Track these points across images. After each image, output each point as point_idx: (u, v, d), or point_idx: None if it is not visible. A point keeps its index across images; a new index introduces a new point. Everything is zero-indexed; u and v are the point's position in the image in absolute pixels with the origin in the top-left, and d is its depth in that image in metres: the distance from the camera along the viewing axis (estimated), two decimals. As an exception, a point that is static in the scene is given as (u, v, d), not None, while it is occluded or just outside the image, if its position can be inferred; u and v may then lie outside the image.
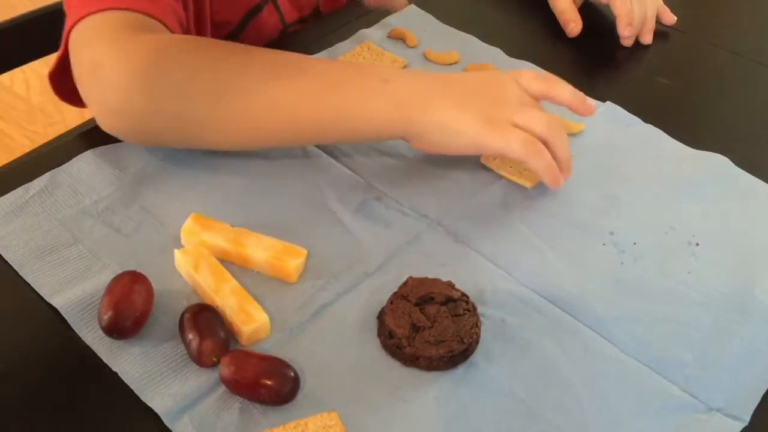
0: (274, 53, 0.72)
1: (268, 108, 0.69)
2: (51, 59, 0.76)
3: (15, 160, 0.77)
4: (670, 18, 1.00)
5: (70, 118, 0.87)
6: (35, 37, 0.97)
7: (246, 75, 0.69)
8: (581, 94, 0.75)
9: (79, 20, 0.71)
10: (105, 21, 0.71)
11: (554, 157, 0.71)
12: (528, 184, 0.75)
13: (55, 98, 0.80)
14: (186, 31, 0.81)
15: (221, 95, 0.69)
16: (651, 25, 0.97)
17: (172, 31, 0.74)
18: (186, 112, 0.69)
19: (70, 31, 0.72)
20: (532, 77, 0.73)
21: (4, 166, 0.77)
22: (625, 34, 0.95)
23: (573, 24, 0.97)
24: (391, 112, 0.69)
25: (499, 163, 0.77)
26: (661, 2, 1.00)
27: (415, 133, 0.70)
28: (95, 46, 0.70)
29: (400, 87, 0.70)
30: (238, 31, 0.94)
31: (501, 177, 0.77)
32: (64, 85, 0.76)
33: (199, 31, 0.89)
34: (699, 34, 1.02)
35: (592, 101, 0.80)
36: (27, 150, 0.93)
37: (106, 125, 0.72)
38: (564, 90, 0.74)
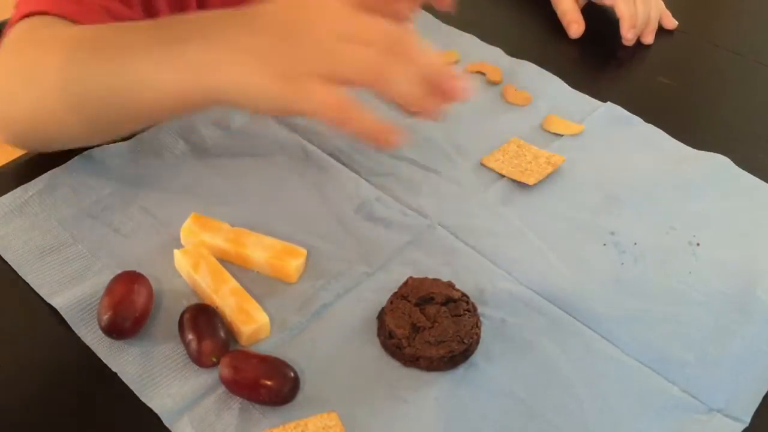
0: (93, 29, 0.66)
1: (61, 92, 0.64)
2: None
3: (15, 160, 0.77)
4: (671, 23, 1.00)
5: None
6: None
7: (48, 59, 0.65)
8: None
9: (14, 24, 0.70)
10: (22, 27, 0.69)
11: (394, 99, 0.55)
12: (531, 181, 0.75)
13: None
14: None
15: (36, 84, 0.65)
16: (653, 26, 0.97)
17: None
18: (35, 116, 0.68)
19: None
20: None
21: (3, 166, 0.76)
22: (629, 37, 0.95)
23: (576, 25, 0.97)
24: (187, 82, 0.58)
25: (500, 164, 0.77)
26: (663, 6, 1.00)
27: (224, 102, 0.58)
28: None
29: (196, 48, 0.58)
30: None
31: (501, 176, 0.76)
32: None
33: None
34: (700, 34, 1.02)
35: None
36: (25, 150, 0.93)
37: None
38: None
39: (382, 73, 0.54)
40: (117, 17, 0.73)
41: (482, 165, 0.77)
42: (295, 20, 0.57)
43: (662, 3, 1.00)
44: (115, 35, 0.64)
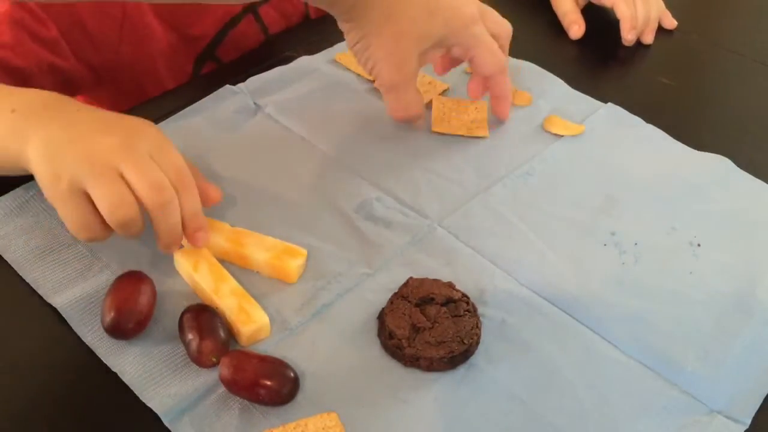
0: None
1: None
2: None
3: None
4: (671, 23, 1.00)
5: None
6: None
7: None
8: None
9: None
10: None
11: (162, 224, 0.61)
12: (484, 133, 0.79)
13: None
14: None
15: None
16: (653, 26, 0.97)
17: None
18: None
19: None
20: None
21: None
22: (629, 38, 0.95)
23: (576, 26, 0.97)
24: (8, 134, 0.63)
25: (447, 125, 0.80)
26: (663, 6, 1.00)
27: (24, 163, 0.62)
28: None
29: (22, 116, 0.63)
30: (214, 43, 0.94)
31: (501, 178, 0.76)
32: None
33: (174, 45, 0.90)
34: (701, 34, 1.02)
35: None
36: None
37: None
38: None
39: (156, 202, 0.60)
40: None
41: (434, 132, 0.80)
42: (121, 121, 0.64)
43: (662, 3, 1.00)
44: None
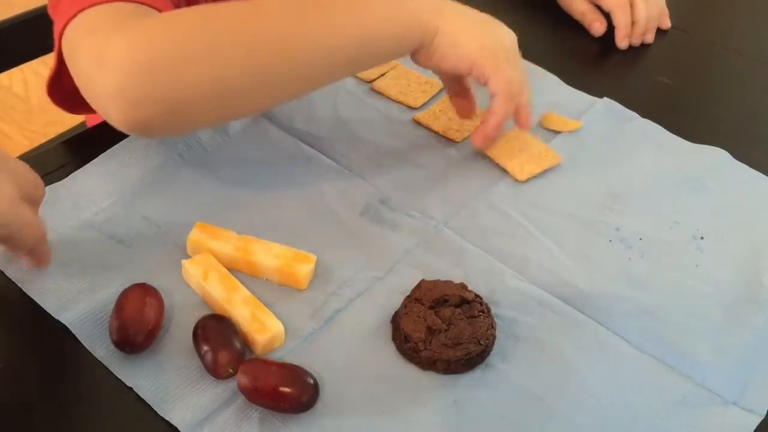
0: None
1: (298, 51, 0.67)
2: (50, 59, 0.74)
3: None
4: (666, 23, 1.00)
5: (69, 117, 0.86)
6: (34, 37, 0.95)
7: (269, 23, 0.66)
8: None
9: (70, 19, 0.66)
10: (100, 14, 0.65)
11: (521, 107, 0.75)
12: (520, 177, 0.76)
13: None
14: None
15: (246, 47, 0.64)
16: (655, 24, 0.98)
17: None
18: (214, 76, 0.64)
19: (62, 33, 0.67)
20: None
21: None
22: (622, 46, 0.96)
23: (598, 23, 0.97)
24: (412, 20, 0.71)
25: (497, 152, 0.78)
26: (664, 5, 1.00)
27: (428, 40, 0.71)
28: (96, 37, 0.64)
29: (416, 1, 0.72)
30: None
31: (503, 177, 0.76)
32: (60, 92, 0.73)
33: None
34: (700, 33, 1.02)
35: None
36: (26, 150, 0.91)
37: (126, 119, 0.63)
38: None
39: (521, 91, 0.74)
40: (175, 4, 0.73)
41: (481, 157, 0.78)
42: (489, 20, 0.76)
43: (663, 2, 1.00)
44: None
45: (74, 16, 0.66)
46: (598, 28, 0.97)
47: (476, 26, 0.73)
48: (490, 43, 0.72)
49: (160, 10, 0.67)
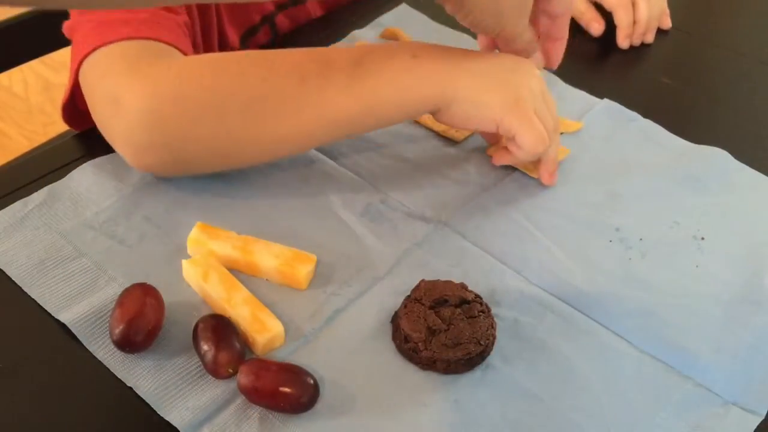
0: (292, 53, 0.69)
1: (299, 112, 0.67)
2: (50, 59, 0.75)
3: (14, 160, 0.76)
4: (667, 22, 1.00)
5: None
6: (34, 37, 0.96)
7: (271, 83, 0.67)
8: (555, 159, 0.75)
9: (90, 52, 0.69)
10: (118, 52, 0.68)
11: (546, 159, 0.74)
12: (537, 175, 0.76)
13: (54, 98, 0.79)
14: (197, 51, 0.79)
15: (250, 108, 0.67)
16: (654, 25, 0.98)
17: (185, 54, 0.72)
18: (219, 134, 0.67)
19: (80, 62, 0.70)
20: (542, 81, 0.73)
21: (2, 167, 0.75)
22: (624, 45, 0.96)
23: (597, 24, 0.97)
24: (423, 88, 0.68)
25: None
26: (665, 4, 1.00)
27: (444, 105, 0.69)
28: (111, 79, 0.67)
29: (428, 61, 0.69)
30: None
31: (504, 177, 0.76)
32: (74, 112, 0.76)
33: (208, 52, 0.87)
34: (700, 33, 1.02)
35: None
36: (25, 150, 0.91)
37: (136, 162, 0.69)
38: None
39: (553, 137, 0.72)
40: (192, 38, 0.76)
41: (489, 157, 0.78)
42: (513, 65, 0.71)
43: (665, 2, 1.00)
44: (332, 62, 0.69)
45: (94, 50, 0.68)
46: (596, 28, 0.97)
47: (497, 81, 0.69)
48: (514, 97, 0.69)
49: (176, 47, 0.70)
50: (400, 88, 0.68)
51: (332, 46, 0.71)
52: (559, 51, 0.77)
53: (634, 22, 0.96)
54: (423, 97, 0.68)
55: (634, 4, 0.96)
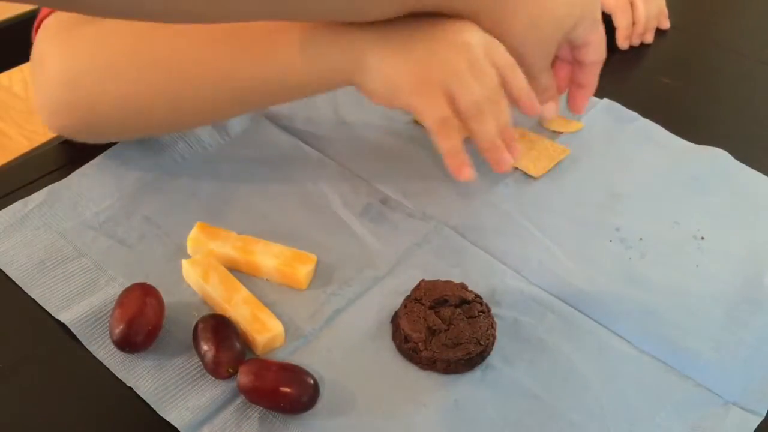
0: (213, 26, 0.67)
1: (204, 74, 0.66)
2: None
3: (14, 160, 0.76)
4: (665, 23, 1.00)
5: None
6: (34, 37, 0.96)
7: (179, 47, 0.66)
8: (531, 92, 0.67)
9: (44, 17, 0.71)
10: (56, 18, 0.69)
11: (475, 139, 0.65)
12: (536, 174, 0.76)
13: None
14: None
15: (159, 70, 0.66)
16: (653, 25, 0.98)
17: None
18: (130, 95, 0.67)
19: (37, 29, 0.71)
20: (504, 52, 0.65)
21: (2, 167, 0.75)
22: (623, 47, 0.96)
23: None
24: (336, 56, 0.63)
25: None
26: (664, 4, 1.00)
27: (358, 80, 0.64)
28: (43, 43, 0.69)
29: (345, 32, 0.63)
30: None
31: (504, 177, 0.76)
32: None
33: None
34: (700, 33, 1.02)
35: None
36: (25, 150, 0.91)
37: (51, 123, 0.69)
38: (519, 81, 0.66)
39: (478, 115, 0.63)
40: None
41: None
42: (444, 38, 0.63)
43: (663, 2, 1.00)
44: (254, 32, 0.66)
45: (41, 21, 0.70)
46: None
47: (411, 58, 0.62)
48: (431, 73, 0.62)
49: None
50: (310, 56, 0.64)
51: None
52: (585, 98, 0.75)
53: (633, 23, 0.96)
54: (334, 69, 0.64)
55: (632, 5, 0.96)
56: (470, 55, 0.62)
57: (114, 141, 0.73)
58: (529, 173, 0.76)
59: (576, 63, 0.72)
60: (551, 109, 0.73)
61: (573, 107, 0.75)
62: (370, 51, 0.63)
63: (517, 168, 0.77)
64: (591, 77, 0.73)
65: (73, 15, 0.69)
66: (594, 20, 0.68)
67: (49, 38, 0.68)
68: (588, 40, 0.69)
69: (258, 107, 0.72)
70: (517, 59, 0.65)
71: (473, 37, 0.63)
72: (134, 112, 0.69)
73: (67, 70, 0.67)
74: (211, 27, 0.66)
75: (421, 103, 0.63)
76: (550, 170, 0.77)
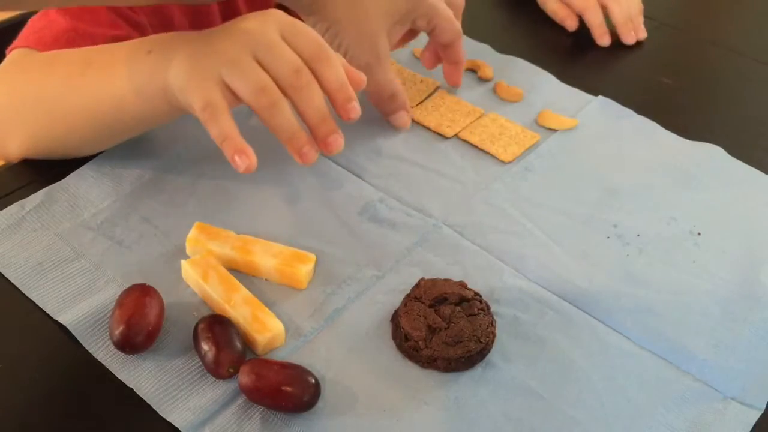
0: (82, 51, 0.70)
1: (69, 104, 0.69)
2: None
3: (10, 162, 0.75)
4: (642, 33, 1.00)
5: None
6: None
7: (53, 80, 0.70)
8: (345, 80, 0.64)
9: (11, 50, 0.76)
10: (11, 56, 0.76)
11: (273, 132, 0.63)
12: (505, 159, 0.78)
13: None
14: None
15: (42, 111, 0.71)
16: (640, 20, 0.98)
17: None
18: (36, 131, 0.72)
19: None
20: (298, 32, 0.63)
21: (1, 167, 0.75)
22: (605, 43, 0.97)
23: (570, 20, 0.99)
24: (149, 77, 0.64)
25: (479, 139, 0.80)
26: (640, 3, 1.00)
27: (170, 83, 0.63)
28: None
29: (160, 53, 0.64)
30: None
31: (501, 174, 0.77)
32: None
33: None
34: (697, 31, 1.03)
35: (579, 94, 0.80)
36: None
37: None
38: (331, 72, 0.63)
39: (262, 100, 0.61)
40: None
41: (458, 138, 0.80)
42: (230, 29, 0.63)
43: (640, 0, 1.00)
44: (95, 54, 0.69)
45: (12, 49, 0.77)
46: (570, 24, 0.99)
47: (198, 68, 0.61)
48: (207, 63, 0.61)
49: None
50: (132, 81, 0.65)
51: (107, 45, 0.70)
52: (459, 72, 0.84)
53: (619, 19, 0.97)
54: (150, 91, 0.64)
55: (604, 6, 0.97)
56: (254, 43, 0.61)
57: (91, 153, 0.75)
58: (499, 158, 0.78)
59: (439, 46, 0.81)
60: (402, 119, 0.80)
61: (450, 82, 0.85)
62: (171, 68, 0.62)
63: (513, 166, 0.77)
64: (456, 54, 0.82)
65: (27, 53, 0.74)
66: (429, 5, 0.76)
67: None
68: (433, 24, 0.78)
69: (122, 135, 0.73)
70: (353, 56, 0.73)
71: (264, 25, 0.62)
72: (60, 139, 0.73)
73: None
74: (70, 60, 0.70)
75: (191, 95, 0.61)
76: (537, 170, 0.77)
